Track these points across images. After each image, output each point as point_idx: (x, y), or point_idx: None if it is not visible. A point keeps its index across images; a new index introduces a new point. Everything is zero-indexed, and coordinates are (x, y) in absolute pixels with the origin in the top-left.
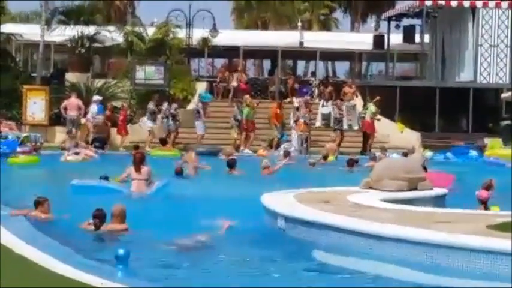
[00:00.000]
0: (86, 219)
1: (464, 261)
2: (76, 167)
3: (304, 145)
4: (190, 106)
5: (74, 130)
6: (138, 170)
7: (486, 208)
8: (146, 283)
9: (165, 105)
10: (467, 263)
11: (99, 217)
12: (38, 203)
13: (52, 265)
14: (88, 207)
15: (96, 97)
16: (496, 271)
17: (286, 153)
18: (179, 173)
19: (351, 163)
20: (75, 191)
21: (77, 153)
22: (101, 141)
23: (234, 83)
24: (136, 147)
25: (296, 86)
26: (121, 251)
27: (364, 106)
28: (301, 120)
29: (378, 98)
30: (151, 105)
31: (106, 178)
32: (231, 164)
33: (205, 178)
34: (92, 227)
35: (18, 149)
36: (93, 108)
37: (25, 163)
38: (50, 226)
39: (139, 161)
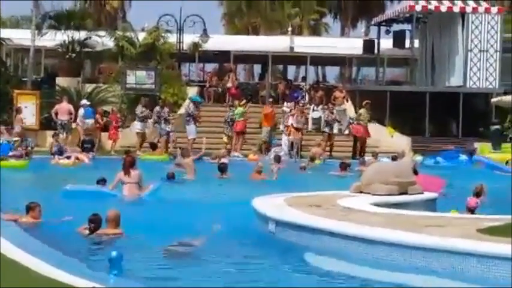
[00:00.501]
0: (78, 223)
1: (456, 264)
2: (67, 171)
3: (295, 150)
4: (181, 110)
5: (64, 134)
6: (128, 173)
7: None
8: (138, 286)
9: (157, 108)
10: (458, 267)
11: (95, 222)
12: (29, 208)
13: (43, 269)
14: (80, 211)
15: (83, 101)
16: (487, 275)
17: (278, 158)
18: (171, 177)
19: (344, 166)
20: (67, 196)
21: (68, 157)
22: (90, 143)
23: (229, 84)
24: (127, 152)
25: (287, 91)
26: (114, 254)
27: (356, 112)
28: (291, 125)
29: (367, 101)
30: (139, 109)
31: (104, 181)
32: (222, 169)
33: (196, 182)
34: (87, 232)
35: (10, 153)
36: (81, 111)
37: (13, 167)
38: (41, 231)
39: (128, 165)
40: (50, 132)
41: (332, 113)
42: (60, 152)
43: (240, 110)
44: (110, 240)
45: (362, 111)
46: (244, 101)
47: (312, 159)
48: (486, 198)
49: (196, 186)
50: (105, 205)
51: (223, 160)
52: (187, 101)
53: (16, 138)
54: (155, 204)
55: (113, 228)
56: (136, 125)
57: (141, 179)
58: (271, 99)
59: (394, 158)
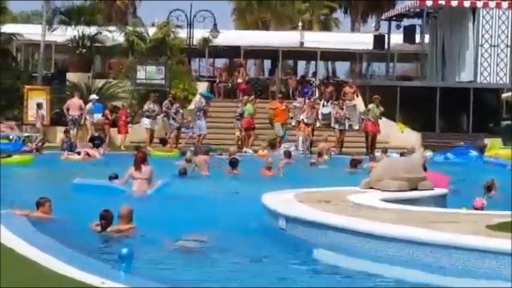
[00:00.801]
0: (87, 218)
1: (466, 261)
2: (76, 166)
3: (305, 145)
4: (191, 106)
5: (75, 130)
6: (139, 169)
7: None
8: (147, 283)
9: (165, 102)
10: (468, 263)
11: (106, 218)
12: (39, 204)
13: (53, 265)
14: (89, 206)
15: (92, 96)
16: (497, 271)
17: (288, 154)
18: (183, 173)
19: (354, 163)
20: (76, 190)
21: (78, 153)
22: (99, 139)
23: (239, 80)
24: (137, 148)
25: (299, 86)
26: (124, 251)
27: (366, 107)
28: (302, 121)
29: (376, 96)
30: (147, 105)
31: (116, 177)
32: (234, 163)
33: (206, 177)
34: (99, 228)
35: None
36: (89, 106)
37: (19, 163)
38: (51, 226)
39: (140, 161)
40: (60, 128)
41: (342, 109)
42: (71, 148)
43: (249, 107)
44: (122, 237)
45: (371, 106)
46: (252, 97)
47: (320, 154)
48: (497, 193)
49: (207, 182)
50: (113, 200)
51: (234, 156)
52: (198, 96)
53: (26, 134)
54: (166, 199)
55: (125, 224)
56: (145, 121)
57: (152, 175)
58: (280, 95)
59: (402, 154)
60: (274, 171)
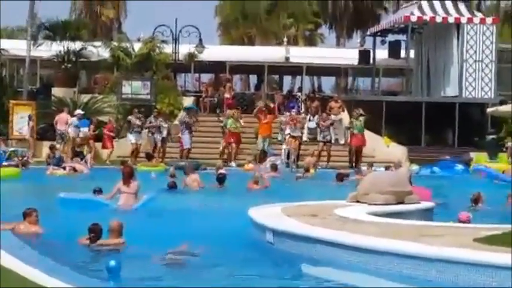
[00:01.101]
0: (73, 232)
1: (453, 274)
2: (62, 181)
3: (291, 158)
4: (177, 121)
5: (62, 145)
6: (127, 183)
7: None
8: None
9: (150, 119)
10: (456, 277)
11: (95, 231)
12: (26, 214)
13: (39, 278)
14: (75, 220)
15: (77, 111)
16: (484, 284)
17: (274, 167)
18: (172, 187)
19: (340, 177)
20: (62, 204)
21: (64, 168)
22: (81, 154)
23: (226, 95)
24: (123, 163)
25: (285, 101)
26: (112, 263)
27: (350, 121)
28: (288, 134)
29: (355, 110)
30: (130, 118)
31: (100, 191)
32: (221, 180)
33: (193, 192)
34: (88, 242)
35: (5, 163)
36: (73, 120)
37: (6, 176)
38: (38, 240)
39: (128, 175)
40: (46, 143)
41: (324, 121)
42: (59, 162)
43: (230, 121)
44: (111, 251)
45: (357, 121)
46: (234, 112)
47: (307, 169)
48: (484, 206)
49: (194, 196)
50: (99, 214)
51: (221, 171)
52: (182, 111)
53: (12, 149)
54: (153, 214)
55: (115, 238)
56: (129, 137)
57: (139, 190)
58: (264, 109)
59: (387, 168)
60: (261, 185)
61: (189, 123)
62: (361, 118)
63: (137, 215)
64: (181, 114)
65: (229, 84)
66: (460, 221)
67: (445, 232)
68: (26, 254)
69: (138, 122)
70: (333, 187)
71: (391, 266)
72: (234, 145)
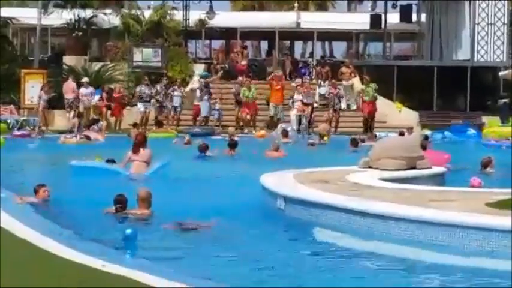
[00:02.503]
0: (85, 199)
1: (464, 239)
2: (73, 150)
3: (303, 125)
4: (188, 88)
5: (71, 113)
6: (137, 151)
7: None
8: (148, 264)
9: (157, 87)
10: (467, 241)
11: (121, 202)
12: (36, 191)
13: (54, 248)
14: (85, 188)
15: (84, 79)
16: (495, 248)
17: (285, 133)
18: (204, 149)
19: (355, 143)
20: (73, 172)
21: (75, 136)
22: (97, 121)
23: (243, 61)
24: (135, 125)
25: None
26: (129, 231)
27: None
28: (299, 101)
29: (364, 76)
30: (139, 88)
31: (113, 161)
32: (233, 145)
33: (205, 159)
34: (113, 211)
35: (16, 132)
36: (82, 90)
37: None
38: (51, 209)
39: (139, 143)
40: (57, 112)
41: (335, 88)
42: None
43: (242, 90)
44: (138, 220)
45: (362, 87)
46: (245, 79)
47: (321, 136)
48: (494, 170)
49: (206, 164)
50: (110, 182)
51: (233, 137)
52: (196, 77)
53: (24, 118)
54: (167, 181)
55: (144, 208)
56: (138, 105)
57: (150, 158)
58: (275, 72)
59: (401, 134)
60: (281, 153)
61: (208, 89)
62: (372, 85)
63: (148, 182)
64: (198, 81)
65: (246, 51)
66: (472, 187)
67: (457, 197)
68: (40, 223)
69: (147, 91)
70: (347, 153)
71: (400, 231)
72: (248, 116)
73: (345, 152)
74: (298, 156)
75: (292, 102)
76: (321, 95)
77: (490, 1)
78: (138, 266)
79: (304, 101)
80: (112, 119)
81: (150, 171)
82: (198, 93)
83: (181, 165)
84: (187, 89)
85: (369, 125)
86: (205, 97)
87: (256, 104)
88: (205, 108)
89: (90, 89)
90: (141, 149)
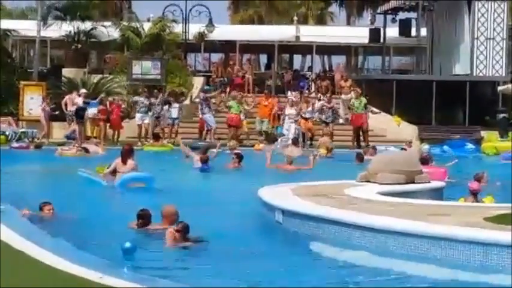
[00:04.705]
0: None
1: (463, 253)
2: (71, 162)
3: (304, 139)
4: (188, 101)
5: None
6: (124, 162)
7: (476, 200)
8: (145, 277)
9: (159, 99)
10: (465, 256)
11: (144, 217)
12: (41, 209)
13: (50, 260)
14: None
15: (82, 90)
16: (493, 263)
17: (295, 141)
18: (205, 161)
19: (360, 158)
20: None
21: (73, 147)
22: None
23: (248, 75)
24: (156, 136)
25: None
26: (127, 244)
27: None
28: (300, 116)
29: (356, 89)
30: (137, 99)
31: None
32: (238, 158)
33: (212, 172)
34: (135, 227)
35: (15, 144)
36: (79, 101)
37: None
38: (50, 221)
39: (126, 154)
40: (56, 124)
41: (329, 102)
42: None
43: (232, 103)
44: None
45: (352, 100)
46: (238, 94)
47: (328, 149)
48: (486, 184)
49: (213, 176)
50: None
51: (236, 151)
52: (198, 91)
53: (23, 130)
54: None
55: (167, 224)
56: (136, 116)
57: (135, 170)
58: (266, 91)
59: (402, 148)
60: (297, 165)
61: (209, 102)
62: (362, 98)
63: (152, 192)
64: (200, 95)
65: (249, 67)
66: (471, 191)
67: (455, 211)
68: (36, 235)
69: (146, 102)
70: (353, 167)
71: (399, 245)
72: (232, 129)
73: (350, 166)
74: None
75: (283, 116)
76: (319, 109)
77: (489, 16)
78: (135, 278)
79: (306, 116)
80: (110, 132)
81: (122, 178)
82: (199, 107)
83: (186, 179)
84: (187, 101)
85: (362, 138)
86: (206, 110)
87: (239, 118)
88: (210, 120)
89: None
90: (128, 160)
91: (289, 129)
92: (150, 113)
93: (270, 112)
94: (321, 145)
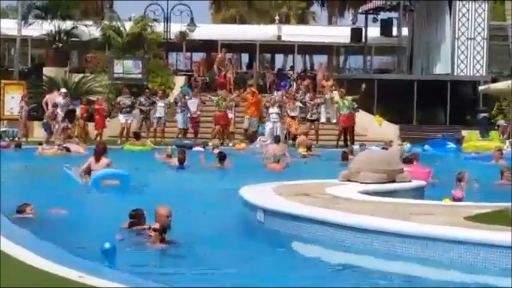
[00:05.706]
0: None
1: (443, 252)
2: (50, 161)
3: (288, 138)
4: (169, 99)
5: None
6: (98, 160)
7: None
8: (125, 276)
9: (140, 99)
10: (446, 255)
11: (136, 217)
12: (20, 211)
13: (29, 259)
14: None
15: (62, 90)
16: (475, 262)
17: (277, 139)
18: (182, 162)
19: (346, 156)
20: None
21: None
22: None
23: (229, 74)
24: (136, 135)
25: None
26: (107, 245)
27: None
28: (286, 114)
29: (340, 89)
30: (120, 99)
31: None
32: (222, 158)
33: (196, 172)
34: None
35: None
36: (59, 100)
37: None
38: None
39: (100, 152)
40: (37, 123)
41: (312, 100)
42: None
43: (215, 100)
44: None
45: (338, 100)
46: (223, 92)
47: (308, 148)
48: (467, 185)
49: (194, 176)
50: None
51: (217, 150)
52: (177, 90)
53: (3, 129)
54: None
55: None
56: (119, 116)
57: (108, 167)
58: (253, 87)
59: (384, 148)
60: (283, 164)
61: (185, 102)
62: (348, 97)
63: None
64: (177, 94)
65: (230, 65)
66: (455, 198)
67: (436, 210)
68: (15, 234)
69: (128, 102)
70: (337, 166)
71: (381, 245)
72: (218, 127)
73: (336, 165)
74: (295, 168)
75: (268, 114)
76: (301, 108)
77: (470, 16)
78: (117, 278)
79: (292, 114)
80: (92, 131)
81: (94, 176)
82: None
83: (165, 178)
84: (171, 99)
85: (347, 138)
86: (178, 109)
87: (227, 115)
88: (180, 120)
89: (67, 100)
90: (102, 158)
91: (274, 128)
92: (134, 112)
93: (257, 108)
94: (300, 145)
